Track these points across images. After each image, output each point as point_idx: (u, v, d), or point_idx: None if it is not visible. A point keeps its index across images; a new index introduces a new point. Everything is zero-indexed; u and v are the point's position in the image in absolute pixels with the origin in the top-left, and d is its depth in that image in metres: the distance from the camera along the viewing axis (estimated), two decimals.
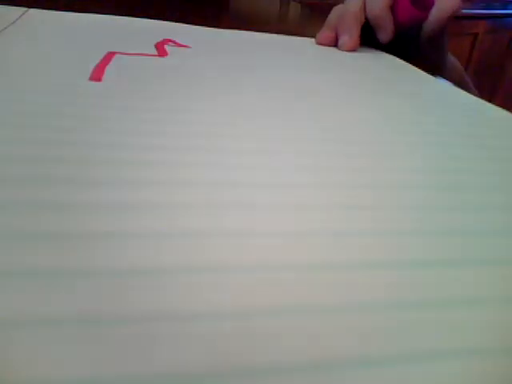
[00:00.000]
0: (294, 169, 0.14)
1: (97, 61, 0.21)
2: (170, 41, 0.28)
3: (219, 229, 0.10)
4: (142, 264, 0.09)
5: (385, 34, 0.33)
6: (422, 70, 0.29)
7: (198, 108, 0.17)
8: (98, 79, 0.19)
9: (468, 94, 0.25)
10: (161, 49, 0.25)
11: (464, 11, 1.08)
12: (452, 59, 0.39)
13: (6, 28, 0.26)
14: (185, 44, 0.28)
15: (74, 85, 0.18)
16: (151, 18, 0.34)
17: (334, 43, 0.34)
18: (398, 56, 0.33)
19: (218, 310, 0.08)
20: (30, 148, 0.13)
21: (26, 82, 0.18)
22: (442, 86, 0.26)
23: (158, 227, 0.10)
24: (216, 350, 0.07)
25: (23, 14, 0.30)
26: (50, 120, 0.15)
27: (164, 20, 0.33)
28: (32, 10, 0.32)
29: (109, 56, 0.22)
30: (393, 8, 0.32)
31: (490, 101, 0.24)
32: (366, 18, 0.33)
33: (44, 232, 0.09)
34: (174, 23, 0.33)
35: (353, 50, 0.33)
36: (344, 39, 0.33)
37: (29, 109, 0.15)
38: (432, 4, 0.32)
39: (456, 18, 0.33)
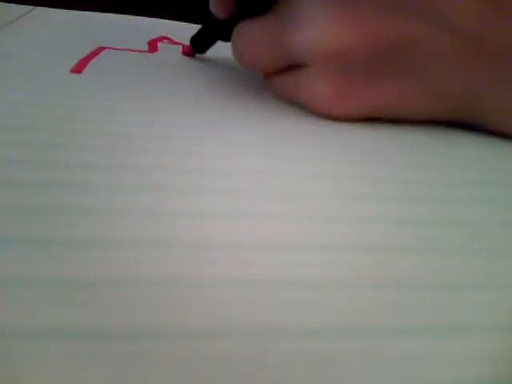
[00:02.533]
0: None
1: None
2: (165, 38, 0.28)
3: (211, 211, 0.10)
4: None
5: None
6: None
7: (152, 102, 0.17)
8: (79, 72, 0.19)
9: None
10: (152, 45, 0.26)
11: None
12: None
13: (5, 25, 0.26)
14: (181, 42, 0.28)
15: (53, 77, 0.18)
16: (154, 17, 0.34)
17: None
18: None
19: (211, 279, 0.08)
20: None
21: (10, 74, 0.18)
22: None
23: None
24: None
25: (28, 12, 0.31)
26: (13, 107, 0.15)
27: (165, 19, 0.34)
28: (38, 9, 0.32)
29: (97, 51, 0.23)
30: None
31: None
32: None
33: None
34: (174, 22, 0.34)
35: None
36: None
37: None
38: None
39: None
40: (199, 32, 0.23)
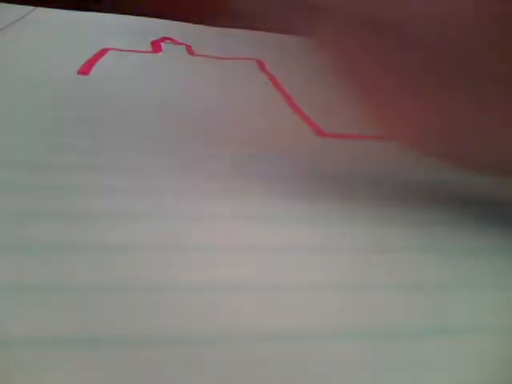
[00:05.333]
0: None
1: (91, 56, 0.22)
2: (167, 38, 0.28)
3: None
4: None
5: None
6: None
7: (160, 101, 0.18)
8: (86, 73, 0.19)
9: None
10: (156, 46, 0.26)
11: None
12: None
13: (7, 26, 0.26)
14: (182, 42, 0.28)
15: (61, 78, 0.18)
16: (153, 17, 0.34)
17: None
18: None
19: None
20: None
21: (17, 74, 0.18)
22: None
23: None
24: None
25: (29, 12, 0.31)
26: (25, 110, 0.15)
27: (165, 19, 0.34)
28: (39, 9, 0.32)
29: (102, 52, 0.23)
30: None
31: None
32: None
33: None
34: (174, 22, 0.34)
35: None
36: None
37: (10, 99, 0.16)
38: None
39: None
40: None
